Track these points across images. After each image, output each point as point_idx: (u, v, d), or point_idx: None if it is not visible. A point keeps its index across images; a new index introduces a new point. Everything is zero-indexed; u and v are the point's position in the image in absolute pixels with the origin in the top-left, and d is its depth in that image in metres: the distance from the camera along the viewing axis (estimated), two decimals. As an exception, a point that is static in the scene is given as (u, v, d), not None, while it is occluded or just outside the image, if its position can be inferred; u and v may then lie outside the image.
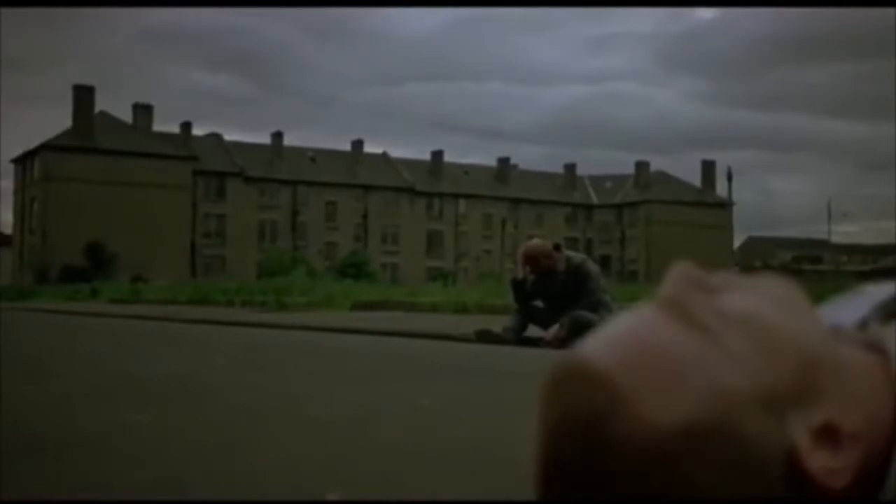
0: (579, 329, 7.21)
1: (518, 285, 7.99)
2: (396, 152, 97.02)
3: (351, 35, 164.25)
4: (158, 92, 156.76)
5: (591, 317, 7.34)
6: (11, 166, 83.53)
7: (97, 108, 79.23)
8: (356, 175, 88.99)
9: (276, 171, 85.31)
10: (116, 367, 4.90)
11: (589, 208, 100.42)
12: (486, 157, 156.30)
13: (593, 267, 8.18)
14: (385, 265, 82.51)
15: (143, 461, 2.08)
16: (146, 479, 1.89)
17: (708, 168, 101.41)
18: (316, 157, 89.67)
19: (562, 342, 7.17)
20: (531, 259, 7.95)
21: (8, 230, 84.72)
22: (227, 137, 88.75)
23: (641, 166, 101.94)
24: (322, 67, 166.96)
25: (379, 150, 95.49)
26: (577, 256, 8.25)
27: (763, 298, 0.89)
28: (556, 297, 7.85)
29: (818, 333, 0.89)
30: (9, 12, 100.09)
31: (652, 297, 0.90)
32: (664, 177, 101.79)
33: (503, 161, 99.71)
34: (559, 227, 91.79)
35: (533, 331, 7.74)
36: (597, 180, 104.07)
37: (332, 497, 1.72)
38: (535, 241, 8.33)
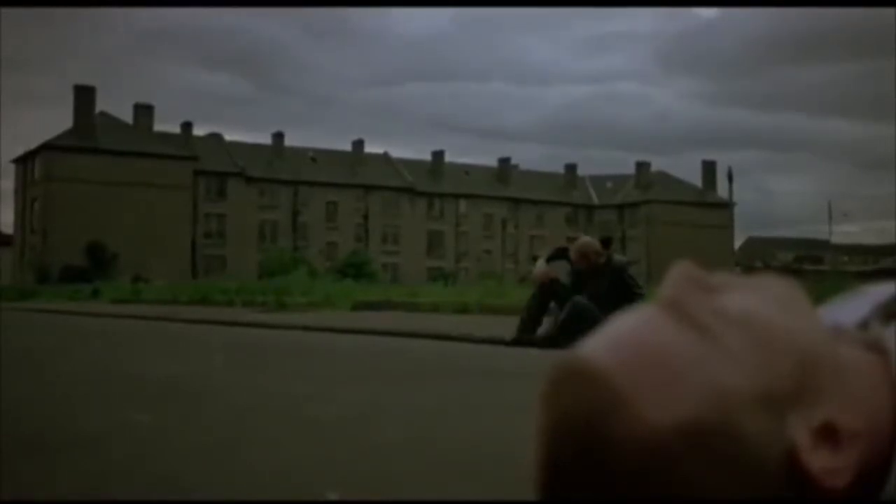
0: (578, 316, 7.19)
1: (545, 291, 7.89)
2: (397, 152, 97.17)
3: (351, 35, 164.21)
4: (159, 92, 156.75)
5: (589, 304, 7.29)
6: (12, 166, 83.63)
7: (98, 109, 79.26)
8: (357, 175, 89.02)
9: (276, 171, 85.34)
10: (117, 368, 4.90)
11: (590, 208, 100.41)
12: (486, 158, 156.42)
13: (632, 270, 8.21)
14: (386, 265, 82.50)
15: (143, 461, 2.08)
16: (146, 478, 1.89)
17: (708, 168, 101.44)
18: (317, 157, 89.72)
19: (553, 339, 7.12)
20: (585, 256, 7.90)
21: (8, 230, 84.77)
22: (228, 137, 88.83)
23: (642, 166, 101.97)
24: (322, 67, 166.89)
25: (380, 151, 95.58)
26: (620, 257, 8.25)
27: (763, 298, 0.89)
28: (601, 297, 7.70)
29: (818, 333, 0.89)
30: (8, 12, 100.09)
31: (653, 297, 0.90)
32: (665, 177, 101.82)
33: (504, 161, 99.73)
34: (560, 227, 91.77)
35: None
36: (598, 180, 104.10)
37: (332, 497, 1.72)
38: (587, 239, 8.28)
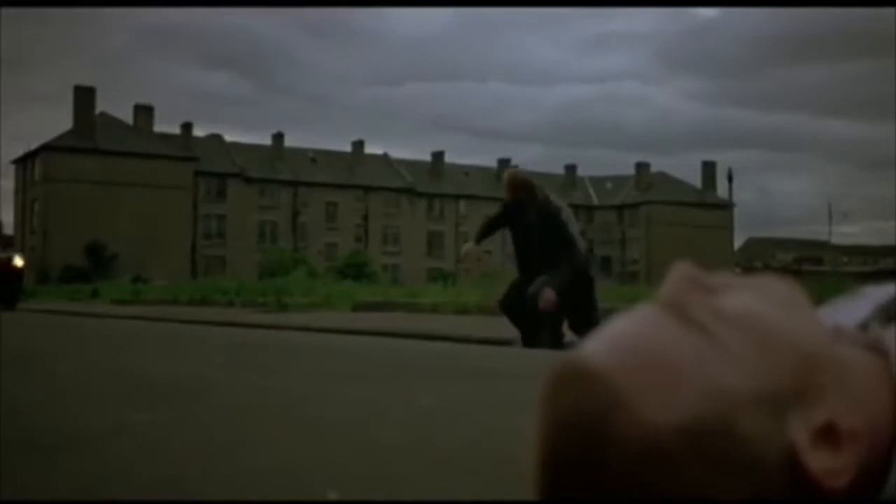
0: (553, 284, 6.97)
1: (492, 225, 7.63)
2: (397, 153, 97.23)
3: (351, 35, 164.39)
4: (159, 93, 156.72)
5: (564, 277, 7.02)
6: (12, 167, 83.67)
7: (98, 109, 79.28)
8: (357, 176, 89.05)
9: (276, 171, 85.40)
10: (117, 367, 4.90)
11: (589, 209, 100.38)
12: (486, 158, 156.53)
13: (570, 214, 7.62)
14: (385, 266, 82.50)
15: (142, 461, 2.08)
16: (146, 478, 1.89)
17: (708, 169, 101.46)
18: (316, 157, 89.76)
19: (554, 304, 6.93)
20: (513, 187, 7.49)
21: (8, 231, 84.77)
22: (228, 138, 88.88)
23: (642, 167, 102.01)
24: (322, 67, 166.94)
25: (379, 151, 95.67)
26: (558, 201, 7.66)
27: (763, 299, 0.89)
28: (531, 243, 7.39)
29: (818, 334, 0.89)
30: (8, 12, 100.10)
31: (652, 298, 0.90)
32: (665, 178, 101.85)
33: (503, 161, 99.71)
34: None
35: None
36: (597, 181, 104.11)
37: (333, 496, 1.72)
38: (518, 170, 7.99)
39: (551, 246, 7.33)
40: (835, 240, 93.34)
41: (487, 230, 7.85)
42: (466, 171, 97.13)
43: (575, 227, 7.57)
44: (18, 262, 19.30)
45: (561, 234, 7.36)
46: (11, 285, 18.89)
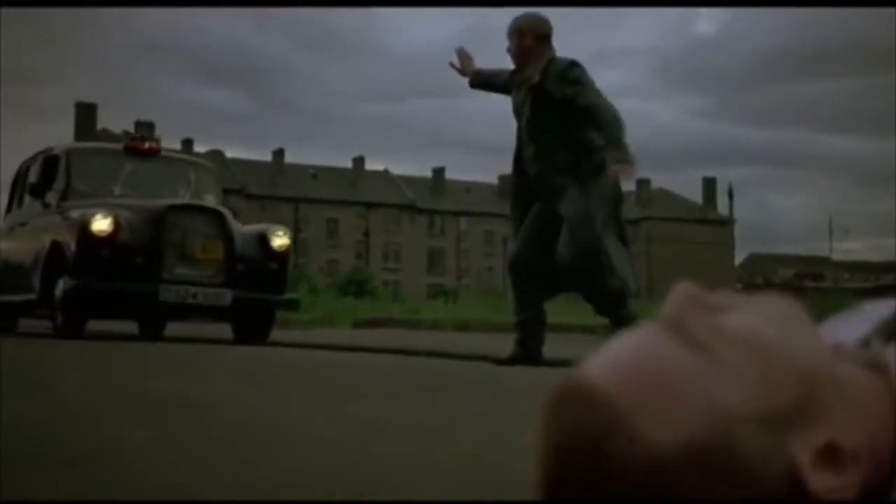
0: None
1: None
2: (398, 169, 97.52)
3: (352, 50, 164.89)
4: (160, 108, 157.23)
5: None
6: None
7: (99, 125, 79.57)
8: (358, 192, 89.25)
9: (277, 188, 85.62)
10: (116, 385, 4.90)
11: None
12: (487, 174, 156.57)
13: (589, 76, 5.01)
14: (386, 282, 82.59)
15: (142, 476, 2.08)
16: (145, 492, 1.89)
17: (709, 185, 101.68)
18: (317, 174, 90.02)
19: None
20: (523, 32, 5.13)
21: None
22: (229, 154, 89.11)
23: (642, 183, 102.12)
24: (323, 83, 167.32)
25: (380, 167, 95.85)
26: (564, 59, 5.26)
27: (764, 317, 0.90)
28: (532, 128, 4.96)
29: (819, 352, 0.89)
30: (9, 25, 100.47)
31: (654, 314, 0.92)
32: (665, 194, 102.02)
33: (504, 178, 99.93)
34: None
35: None
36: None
37: (338, 497, 1.72)
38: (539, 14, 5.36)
39: (569, 137, 4.83)
40: (836, 256, 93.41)
41: (488, 77, 5.53)
42: (468, 187, 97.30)
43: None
44: (280, 239, 10.21)
45: (586, 117, 4.78)
46: (268, 291, 9.74)
